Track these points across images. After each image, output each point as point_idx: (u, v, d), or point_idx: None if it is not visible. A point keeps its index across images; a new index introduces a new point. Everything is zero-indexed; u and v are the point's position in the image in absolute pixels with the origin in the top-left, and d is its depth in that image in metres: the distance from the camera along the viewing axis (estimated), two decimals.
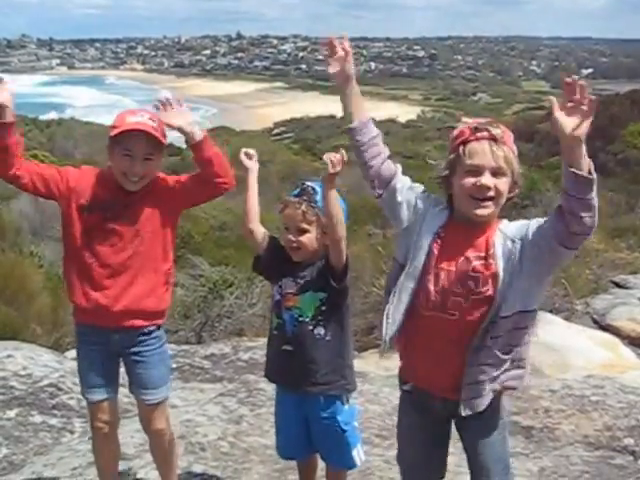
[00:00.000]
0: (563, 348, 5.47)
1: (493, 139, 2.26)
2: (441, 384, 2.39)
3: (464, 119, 2.37)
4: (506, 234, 2.30)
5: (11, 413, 4.23)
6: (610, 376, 4.94)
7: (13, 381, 4.61)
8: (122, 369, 3.00)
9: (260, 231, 2.92)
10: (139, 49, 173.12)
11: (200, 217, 14.76)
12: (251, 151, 2.98)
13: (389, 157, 2.43)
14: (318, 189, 2.78)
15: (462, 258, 2.30)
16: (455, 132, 2.35)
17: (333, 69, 2.36)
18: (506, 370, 2.37)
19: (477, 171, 2.26)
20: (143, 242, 2.83)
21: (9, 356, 4.95)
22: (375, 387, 4.69)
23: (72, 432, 4.13)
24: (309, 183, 2.85)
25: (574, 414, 4.31)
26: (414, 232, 2.38)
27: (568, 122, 2.03)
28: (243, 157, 2.96)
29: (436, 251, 2.33)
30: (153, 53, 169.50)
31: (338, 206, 2.68)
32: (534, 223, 2.28)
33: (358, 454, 2.96)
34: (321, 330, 2.81)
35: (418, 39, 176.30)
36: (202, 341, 7.11)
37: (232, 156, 2.89)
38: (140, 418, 3.02)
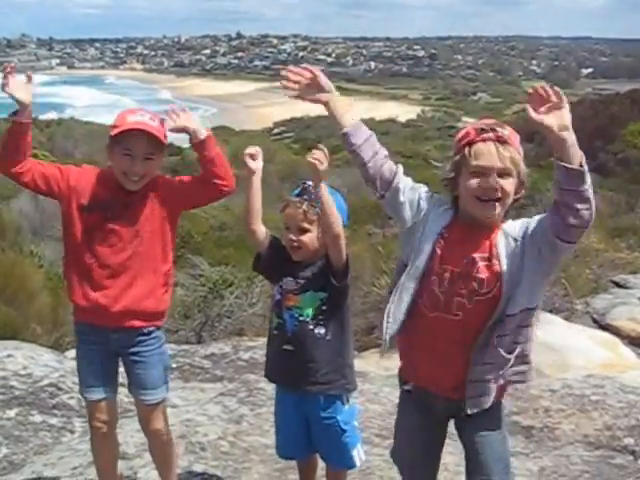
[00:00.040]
0: (563, 348, 5.47)
1: (499, 140, 2.25)
2: (444, 384, 2.39)
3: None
4: (509, 234, 2.30)
5: (11, 413, 4.23)
6: (610, 376, 4.94)
7: (13, 381, 4.60)
8: (122, 369, 3.00)
9: (262, 231, 2.91)
10: (139, 49, 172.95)
11: (200, 217, 14.73)
12: (254, 150, 2.88)
13: (388, 157, 2.42)
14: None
15: (466, 259, 2.30)
16: (460, 133, 2.35)
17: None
18: (511, 366, 2.37)
19: (483, 172, 2.25)
20: (142, 242, 2.82)
21: (9, 356, 4.94)
22: (375, 387, 4.69)
23: (72, 432, 4.13)
24: (310, 182, 2.84)
25: (574, 414, 4.31)
26: (417, 232, 2.37)
27: (551, 120, 2.06)
28: (248, 159, 2.85)
29: (439, 252, 2.32)
30: (153, 53, 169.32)
31: (332, 201, 2.67)
32: (534, 220, 2.29)
33: (358, 454, 2.96)
34: (321, 330, 2.81)
35: (418, 39, 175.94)
36: (202, 341, 7.11)
37: (232, 156, 2.87)
38: (139, 418, 3.02)
